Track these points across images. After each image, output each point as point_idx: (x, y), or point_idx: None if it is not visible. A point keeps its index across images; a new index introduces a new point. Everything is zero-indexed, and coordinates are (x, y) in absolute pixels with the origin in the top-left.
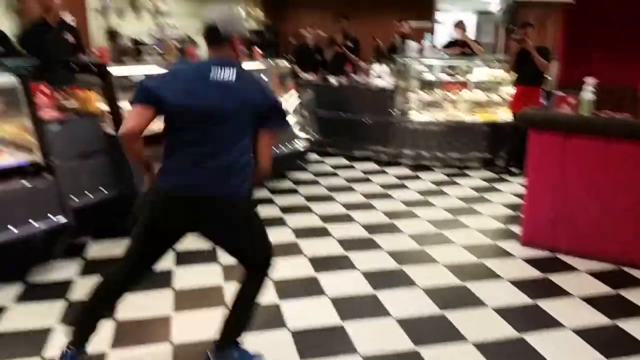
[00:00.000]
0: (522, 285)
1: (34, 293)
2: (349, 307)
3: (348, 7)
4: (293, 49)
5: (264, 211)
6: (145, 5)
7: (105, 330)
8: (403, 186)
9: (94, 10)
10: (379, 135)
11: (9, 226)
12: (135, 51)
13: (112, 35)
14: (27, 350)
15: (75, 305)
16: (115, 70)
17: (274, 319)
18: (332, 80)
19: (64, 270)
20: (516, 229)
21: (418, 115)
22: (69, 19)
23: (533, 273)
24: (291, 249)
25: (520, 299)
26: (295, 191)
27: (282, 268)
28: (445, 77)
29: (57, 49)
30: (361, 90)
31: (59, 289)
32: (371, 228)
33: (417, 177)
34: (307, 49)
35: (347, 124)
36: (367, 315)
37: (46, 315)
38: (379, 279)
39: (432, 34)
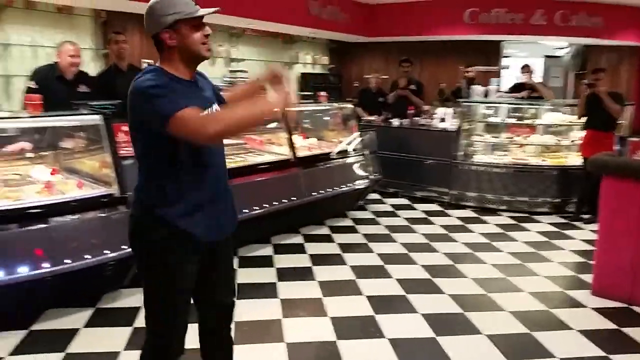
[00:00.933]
0: (593, 337)
1: (104, 318)
2: (408, 350)
3: (413, 52)
4: (356, 92)
5: (322, 248)
6: (218, 53)
7: None
8: (466, 229)
9: None
10: (441, 176)
11: (84, 254)
12: None
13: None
14: None
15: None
16: None
17: (331, 358)
18: (394, 121)
19: (132, 298)
20: (587, 277)
21: (482, 158)
22: (145, 65)
23: (605, 325)
24: (350, 288)
25: (591, 351)
26: (354, 230)
27: (341, 306)
28: (511, 121)
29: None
30: (423, 132)
31: (126, 316)
32: (432, 270)
33: (481, 220)
34: (370, 92)
35: (408, 164)
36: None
37: (114, 339)
38: (440, 323)
39: (499, 77)
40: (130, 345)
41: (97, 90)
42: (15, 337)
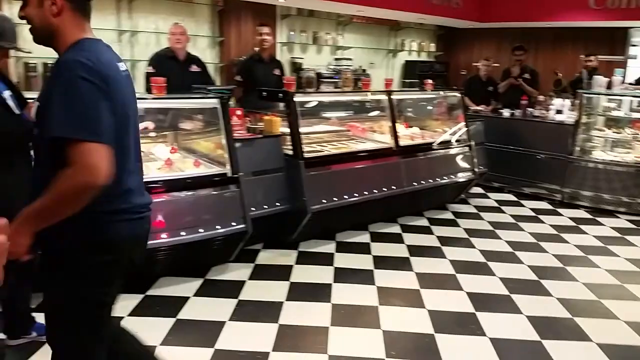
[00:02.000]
0: None
1: (211, 289)
2: (510, 350)
3: (527, 39)
4: (464, 80)
5: (420, 240)
6: (325, 41)
7: (270, 333)
8: (579, 230)
9: (280, 45)
10: (554, 172)
11: (198, 228)
12: (316, 82)
13: (297, 67)
14: (201, 339)
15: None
16: (299, 98)
17: (429, 350)
18: (505, 112)
19: (238, 272)
20: None
21: (601, 155)
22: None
23: None
24: (449, 282)
25: None
26: (455, 223)
27: (439, 300)
28: (636, 115)
29: (266, 81)
30: (537, 124)
31: (232, 288)
32: (539, 271)
33: (596, 222)
34: (478, 81)
35: (517, 158)
36: None
37: (220, 310)
38: (545, 326)
39: (625, 68)
40: (235, 316)
41: (206, 71)
42: (133, 300)
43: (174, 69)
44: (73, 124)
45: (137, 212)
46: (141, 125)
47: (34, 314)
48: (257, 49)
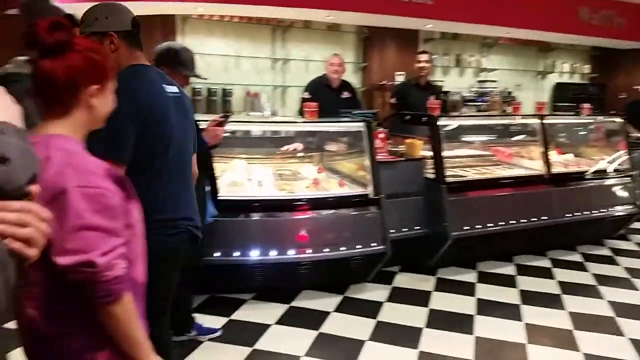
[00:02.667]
0: None
1: (351, 307)
2: None
3: None
4: (624, 104)
5: (573, 276)
6: (468, 63)
7: (409, 358)
8: None
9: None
10: None
11: (340, 246)
12: (459, 105)
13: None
14: (342, 355)
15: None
16: (443, 122)
17: None
18: None
19: (376, 292)
20: None
21: None
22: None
23: None
24: (608, 325)
25: None
26: (613, 261)
27: (597, 344)
28: None
29: (419, 106)
30: None
31: (370, 308)
32: None
33: None
34: None
35: None
36: None
37: (359, 328)
38: None
39: None
40: (374, 336)
41: (356, 96)
42: (279, 309)
43: (328, 96)
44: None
45: (174, 225)
46: (291, 146)
47: (194, 315)
48: (400, 73)
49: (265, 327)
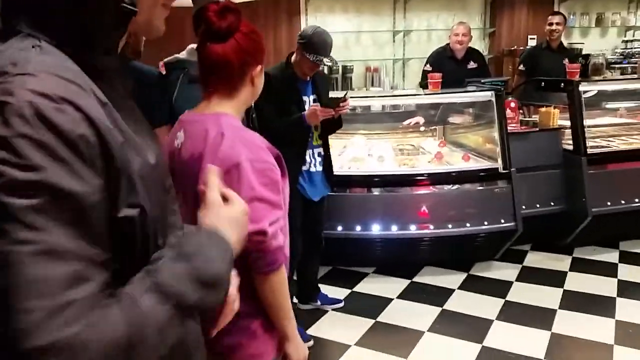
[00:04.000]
0: None
1: (476, 285)
2: None
3: None
4: None
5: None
6: (612, 22)
7: (542, 339)
8: None
9: None
10: None
11: (465, 222)
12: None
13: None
14: (468, 333)
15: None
16: (584, 87)
17: None
18: None
19: (504, 271)
20: None
21: None
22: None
23: None
24: None
25: None
26: None
27: None
28: None
29: (553, 71)
30: None
31: (498, 287)
32: None
33: None
34: None
35: None
36: None
37: (486, 307)
38: None
39: None
40: (502, 316)
41: (484, 65)
42: (401, 284)
43: (452, 68)
44: None
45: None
46: (412, 120)
47: (320, 285)
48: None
49: (388, 300)
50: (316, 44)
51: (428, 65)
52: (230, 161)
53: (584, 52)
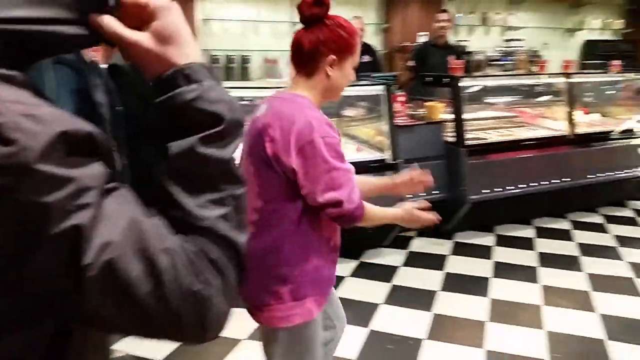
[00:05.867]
0: None
1: (366, 272)
2: None
3: None
4: None
5: (593, 238)
6: (494, 22)
7: (424, 320)
8: None
9: None
10: None
11: None
12: (483, 65)
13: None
14: (356, 318)
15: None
16: (465, 82)
17: (597, 357)
18: None
19: (392, 257)
20: None
21: None
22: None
23: None
24: (626, 286)
25: None
26: (635, 222)
27: (614, 305)
28: None
29: (440, 67)
30: None
31: (386, 273)
32: None
33: None
34: None
35: None
36: None
37: (374, 292)
38: None
39: None
40: (389, 300)
41: (377, 59)
42: None
43: None
44: None
45: None
46: None
47: None
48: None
49: None
50: None
51: None
52: (305, 138)
53: (469, 50)
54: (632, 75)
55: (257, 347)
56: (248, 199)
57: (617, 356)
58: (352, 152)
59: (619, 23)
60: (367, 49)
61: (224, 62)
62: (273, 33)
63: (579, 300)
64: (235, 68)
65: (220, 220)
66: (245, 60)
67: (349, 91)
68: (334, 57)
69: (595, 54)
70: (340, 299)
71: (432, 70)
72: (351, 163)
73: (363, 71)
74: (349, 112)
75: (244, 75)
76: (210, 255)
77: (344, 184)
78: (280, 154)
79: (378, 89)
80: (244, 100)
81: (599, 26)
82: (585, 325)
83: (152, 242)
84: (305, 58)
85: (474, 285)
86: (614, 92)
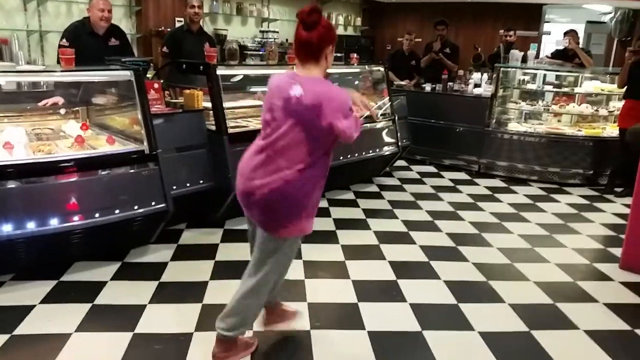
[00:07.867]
0: (619, 310)
1: (130, 272)
2: (429, 315)
3: (449, 15)
4: (388, 55)
5: (346, 213)
6: (250, 12)
7: (193, 313)
8: (494, 198)
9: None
10: (472, 144)
11: (114, 209)
12: (240, 54)
13: (221, 39)
14: (119, 323)
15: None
16: (221, 71)
17: (352, 318)
18: (427, 86)
19: (159, 253)
20: (616, 251)
21: (516, 126)
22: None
23: (632, 299)
24: (373, 252)
25: (617, 324)
26: (380, 196)
27: (363, 270)
28: (548, 88)
29: (195, 54)
30: (456, 98)
31: (152, 270)
32: (457, 238)
33: (510, 190)
34: (402, 55)
35: (438, 131)
36: (448, 326)
37: (139, 293)
38: (462, 290)
39: (539, 44)
40: (155, 299)
41: (127, 43)
42: (45, 286)
43: (92, 44)
44: None
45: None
46: (50, 100)
47: None
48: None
49: (28, 308)
50: None
51: (64, 40)
52: (322, 99)
53: (229, 38)
54: (368, 68)
55: None
56: (299, 155)
57: (368, 314)
58: (104, 144)
59: (358, 20)
60: (114, 32)
61: None
62: (0, 8)
63: (336, 271)
64: None
65: None
66: None
67: (91, 76)
68: (331, 47)
69: (341, 48)
70: (101, 306)
71: (188, 57)
72: (102, 156)
73: (111, 54)
74: (98, 99)
75: None
76: None
77: (352, 126)
78: (333, 122)
79: (126, 75)
80: None
81: (342, 22)
82: (341, 292)
83: None
84: (315, 50)
85: (243, 270)
86: (356, 82)
